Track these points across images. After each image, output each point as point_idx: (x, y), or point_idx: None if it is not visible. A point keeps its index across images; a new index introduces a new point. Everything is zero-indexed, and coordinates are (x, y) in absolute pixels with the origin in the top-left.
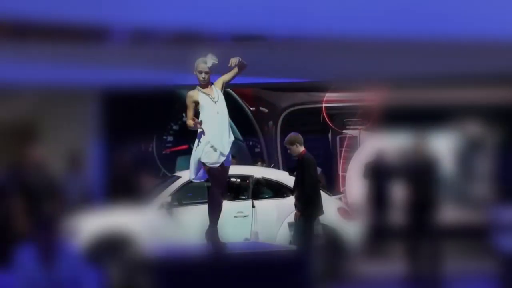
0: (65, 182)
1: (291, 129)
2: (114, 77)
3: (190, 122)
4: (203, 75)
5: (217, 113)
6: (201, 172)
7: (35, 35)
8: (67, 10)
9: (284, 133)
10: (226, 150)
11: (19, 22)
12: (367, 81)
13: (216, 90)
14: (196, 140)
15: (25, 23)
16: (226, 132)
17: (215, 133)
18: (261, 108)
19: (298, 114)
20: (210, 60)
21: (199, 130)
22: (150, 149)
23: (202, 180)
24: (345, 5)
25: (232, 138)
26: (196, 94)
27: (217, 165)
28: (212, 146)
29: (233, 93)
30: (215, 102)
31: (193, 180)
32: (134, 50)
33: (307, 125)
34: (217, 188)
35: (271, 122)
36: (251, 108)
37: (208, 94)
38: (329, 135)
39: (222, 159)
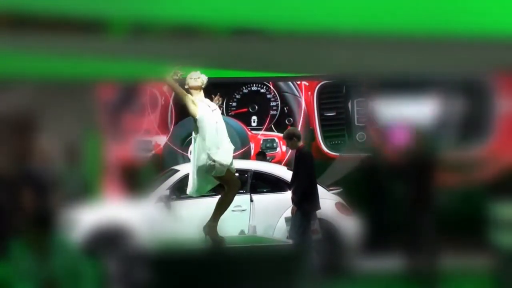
0: (64, 175)
1: (323, 97)
2: (113, 70)
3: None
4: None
5: (216, 122)
6: (197, 186)
7: (34, 27)
8: (66, 1)
9: (318, 101)
10: (227, 160)
11: (17, 14)
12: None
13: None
14: (192, 147)
15: (23, 14)
16: (225, 142)
17: (213, 145)
18: (303, 82)
19: (327, 85)
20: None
21: (193, 139)
22: (221, 110)
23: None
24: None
25: (233, 147)
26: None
27: (223, 174)
28: (214, 161)
29: None
30: (212, 111)
31: (189, 194)
32: (133, 44)
33: (333, 92)
34: (231, 191)
35: (309, 92)
36: (297, 82)
37: (209, 106)
38: (349, 102)
39: (225, 169)
